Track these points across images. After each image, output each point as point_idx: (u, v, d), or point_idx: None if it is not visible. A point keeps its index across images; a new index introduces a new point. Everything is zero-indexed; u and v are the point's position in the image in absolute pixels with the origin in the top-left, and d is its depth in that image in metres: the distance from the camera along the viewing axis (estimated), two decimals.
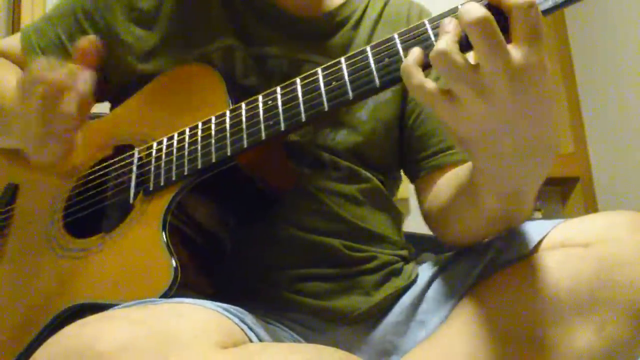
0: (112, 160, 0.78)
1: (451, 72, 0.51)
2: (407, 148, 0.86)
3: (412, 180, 0.88)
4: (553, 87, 0.54)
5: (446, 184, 0.79)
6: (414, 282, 0.80)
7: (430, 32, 0.58)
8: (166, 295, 0.61)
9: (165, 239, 0.65)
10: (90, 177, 0.78)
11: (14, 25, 1.79)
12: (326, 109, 0.63)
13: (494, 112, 0.52)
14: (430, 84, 0.53)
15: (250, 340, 0.58)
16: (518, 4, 0.51)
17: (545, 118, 0.54)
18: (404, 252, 0.84)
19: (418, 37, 0.59)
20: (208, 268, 0.74)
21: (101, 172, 0.78)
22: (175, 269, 0.63)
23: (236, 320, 0.59)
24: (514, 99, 0.52)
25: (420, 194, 0.86)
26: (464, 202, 0.71)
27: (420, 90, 0.53)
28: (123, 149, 0.78)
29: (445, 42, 0.51)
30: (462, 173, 0.73)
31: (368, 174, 0.81)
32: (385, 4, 0.89)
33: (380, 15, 0.88)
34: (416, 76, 0.54)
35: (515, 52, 0.51)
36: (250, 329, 0.60)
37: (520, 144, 0.55)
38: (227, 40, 0.80)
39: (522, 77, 0.51)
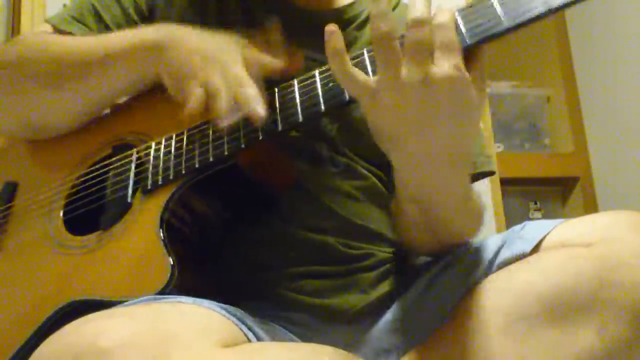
0: (111, 160, 0.78)
1: (386, 54, 0.57)
2: None
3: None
4: (477, 113, 0.60)
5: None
6: (412, 280, 0.79)
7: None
8: (163, 293, 0.61)
9: (162, 237, 0.65)
10: (89, 176, 0.79)
11: (14, 26, 1.79)
12: (323, 109, 0.65)
13: (403, 108, 0.57)
14: (360, 73, 0.59)
15: (249, 340, 0.58)
16: (408, 22, 0.57)
17: (454, 131, 0.59)
18: (403, 250, 0.83)
19: None
20: (206, 265, 0.74)
21: (100, 171, 0.78)
22: (172, 266, 0.63)
23: (235, 320, 0.59)
24: (421, 103, 0.57)
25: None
26: (396, 205, 0.75)
27: (350, 77, 0.59)
28: (122, 148, 0.78)
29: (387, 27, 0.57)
30: None
31: (365, 171, 0.81)
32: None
33: None
34: (347, 64, 0.59)
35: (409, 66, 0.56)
36: (250, 329, 0.60)
37: (426, 147, 0.60)
38: (234, 31, 0.80)
39: (434, 86, 0.56)
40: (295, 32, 0.81)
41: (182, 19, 0.81)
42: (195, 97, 0.68)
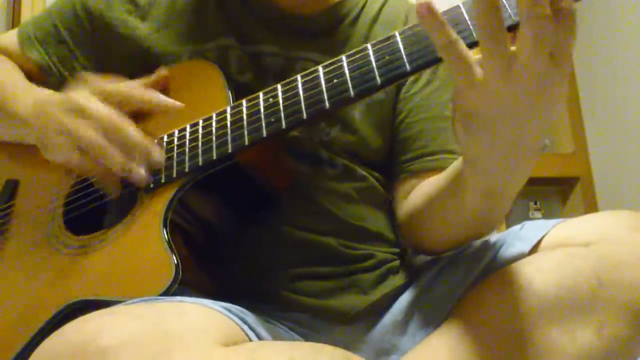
0: None
1: (492, 36, 0.51)
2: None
3: (392, 183, 0.86)
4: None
5: (426, 185, 0.78)
6: (412, 280, 0.80)
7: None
8: (167, 292, 0.61)
9: (166, 236, 0.65)
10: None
11: (14, 25, 1.79)
12: (327, 106, 0.64)
13: (509, 94, 0.53)
14: (462, 43, 0.52)
15: (250, 339, 0.58)
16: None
17: (546, 119, 0.56)
18: (402, 251, 0.84)
19: (420, 35, 0.59)
20: (209, 265, 0.74)
21: None
22: (177, 266, 0.62)
23: (237, 319, 0.59)
24: (534, 90, 0.52)
25: (396, 198, 0.84)
26: (447, 200, 0.72)
27: (452, 47, 0.52)
28: None
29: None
30: (447, 172, 0.73)
31: (364, 172, 0.81)
32: (384, 3, 0.89)
33: (378, 13, 0.87)
34: (452, 33, 0.52)
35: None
36: (251, 328, 0.60)
37: (516, 136, 0.56)
38: (222, 39, 0.80)
39: (553, 71, 0.51)
40: (290, 39, 0.82)
41: (163, 23, 0.82)
42: (73, 163, 0.70)
